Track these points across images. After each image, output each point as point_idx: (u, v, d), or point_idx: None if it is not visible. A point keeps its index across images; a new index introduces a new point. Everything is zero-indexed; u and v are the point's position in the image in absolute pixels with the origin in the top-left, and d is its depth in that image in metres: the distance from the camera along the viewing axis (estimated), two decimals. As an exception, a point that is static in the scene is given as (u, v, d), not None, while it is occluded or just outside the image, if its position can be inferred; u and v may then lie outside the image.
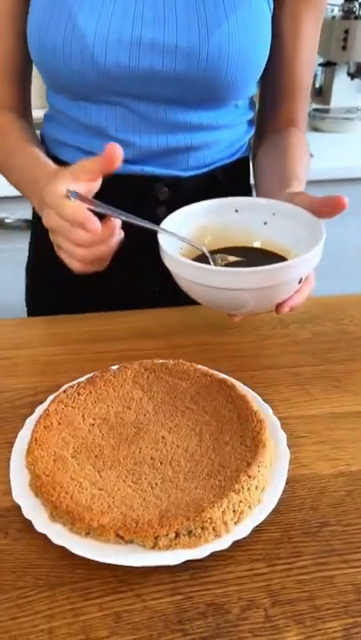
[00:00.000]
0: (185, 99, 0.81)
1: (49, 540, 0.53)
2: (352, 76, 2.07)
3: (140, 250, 0.82)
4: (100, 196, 0.66)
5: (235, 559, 0.53)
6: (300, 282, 0.66)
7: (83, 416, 0.64)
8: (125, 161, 0.69)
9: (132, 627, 0.48)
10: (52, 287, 1.01)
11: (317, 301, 0.87)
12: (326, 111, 2.12)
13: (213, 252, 0.74)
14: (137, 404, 0.66)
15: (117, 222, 0.66)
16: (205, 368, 0.70)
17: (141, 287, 0.95)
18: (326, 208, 0.67)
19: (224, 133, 0.89)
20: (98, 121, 0.84)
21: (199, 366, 0.70)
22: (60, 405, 0.66)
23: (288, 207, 0.71)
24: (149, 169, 0.87)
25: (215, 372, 0.69)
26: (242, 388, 0.67)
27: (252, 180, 0.96)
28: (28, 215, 1.01)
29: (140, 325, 0.85)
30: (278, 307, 0.67)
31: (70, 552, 0.52)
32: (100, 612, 0.49)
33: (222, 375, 0.69)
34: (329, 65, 2.07)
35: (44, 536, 0.53)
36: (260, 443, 0.59)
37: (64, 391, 0.68)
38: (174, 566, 0.51)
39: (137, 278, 0.94)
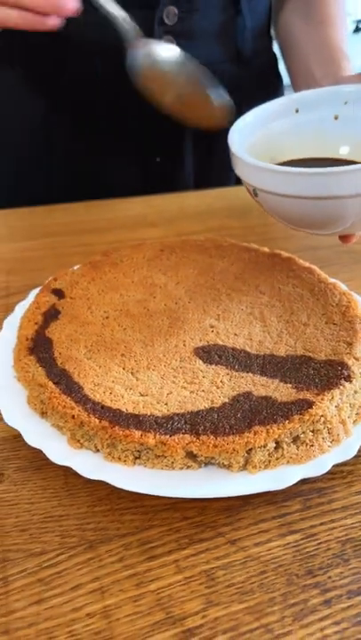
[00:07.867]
0: None
1: (74, 477, 0.34)
2: None
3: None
4: None
5: (358, 474, 0.36)
6: None
7: (89, 308, 0.45)
8: None
9: (238, 590, 0.30)
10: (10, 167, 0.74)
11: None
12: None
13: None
14: (162, 291, 0.47)
15: None
16: (244, 243, 0.52)
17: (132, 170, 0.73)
18: None
19: None
20: None
21: (234, 241, 0.52)
22: (54, 297, 0.45)
23: None
24: None
25: (258, 247, 0.51)
26: (301, 260, 0.50)
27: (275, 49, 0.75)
28: None
29: (132, 214, 0.65)
30: None
31: (112, 489, 0.33)
32: (179, 573, 0.30)
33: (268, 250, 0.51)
34: None
35: (66, 470, 0.34)
36: (357, 317, 0.42)
37: (55, 279, 0.47)
38: (277, 493, 0.34)
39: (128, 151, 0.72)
